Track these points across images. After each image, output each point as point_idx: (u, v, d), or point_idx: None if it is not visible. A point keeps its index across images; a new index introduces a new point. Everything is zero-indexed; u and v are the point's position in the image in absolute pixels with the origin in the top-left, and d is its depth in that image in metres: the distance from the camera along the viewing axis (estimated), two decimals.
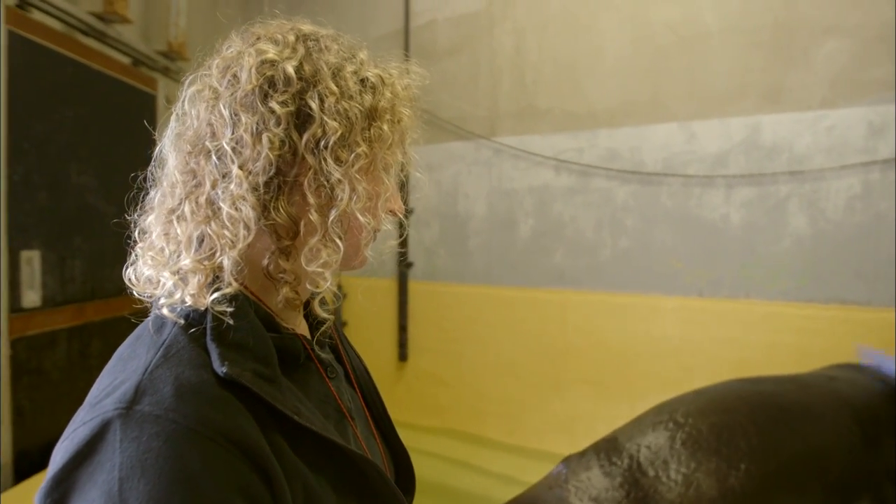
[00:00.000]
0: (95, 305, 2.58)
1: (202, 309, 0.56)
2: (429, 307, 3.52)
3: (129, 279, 0.63)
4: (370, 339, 3.67)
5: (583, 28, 3.04)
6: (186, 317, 0.56)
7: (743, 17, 2.67)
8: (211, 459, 0.48)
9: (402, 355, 3.56)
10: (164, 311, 0.57)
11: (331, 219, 0.59)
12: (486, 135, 3.31)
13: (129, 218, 0.67)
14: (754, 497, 1.18)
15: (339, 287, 4.01)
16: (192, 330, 0.56)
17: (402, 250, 3.51)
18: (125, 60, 2.72)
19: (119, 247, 2.50)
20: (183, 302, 0.57)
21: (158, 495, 0.45)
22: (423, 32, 3.48)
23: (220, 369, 0.52)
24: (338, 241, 0.60)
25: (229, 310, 0.56)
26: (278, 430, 0.55)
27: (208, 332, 0.55)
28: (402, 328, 3.57)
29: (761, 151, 2.65)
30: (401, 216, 0.70)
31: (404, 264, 3.58)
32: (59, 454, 0.49)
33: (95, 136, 2.54)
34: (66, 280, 2.42)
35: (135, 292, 0.62)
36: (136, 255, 0.63)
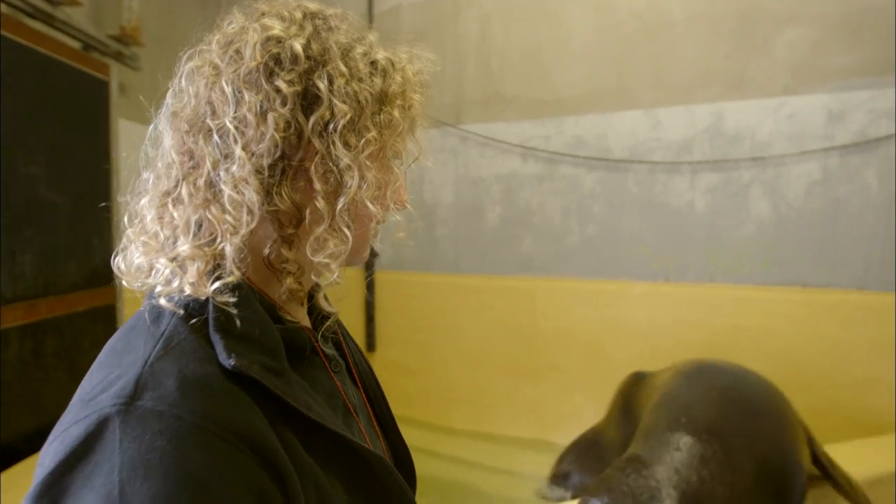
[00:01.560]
0: (49, 302, 2.46)
1: (203, 298, 0.52)
2: (396, 297, 3.49)
3: (118, 267, 0.58)
4: None
5: (548, 15, 3.03)
6: (186, 307, 0.52)
7: (707, 5, 2.70)
8: (220, 458, 0.44)
9: (370, 346, 3.53)
10: (162, 300, 0.53)
11: (339, 207, 0.56)
12: (452, 122, 3.28)
13: (120, 200, 0.62)
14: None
15: None
16: (193, 320, 0.52)
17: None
18: (75, 45, 2.59)
19: (73, 240, 2.39)
20: (181, 291, 0.53)
21: (164, 499, 0.41)
22: (387, 18, 3.42)
23: (228, 362, 0.49)
24: (346, 230, 0.57)
25: (232, 299, 0.52)
26: (288, 425, 0.52)
27: (211, 322, 0.51)
28: (370, 319, 3.53)
29: (725, 138, 2.70)
30: (408, 207, 0.67)
31: (370, 254, 3.52)
32: (49, 455, 0.44)
33: (45, 125, 2.41)
34: (17, 275, 2.30)
35: (124, 282, 0.58)
36: (126, 241, 0.59)
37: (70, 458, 0.43)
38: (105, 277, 2.73)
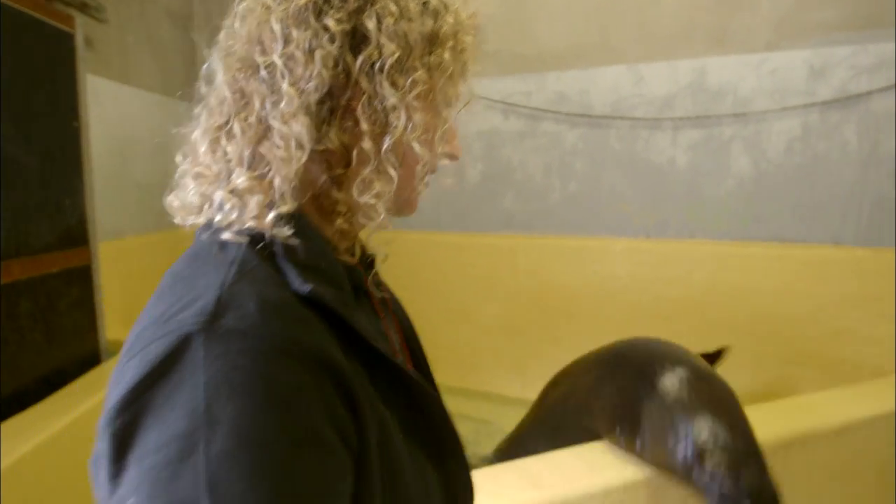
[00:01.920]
0: (21, 263, 2.40)
1: (265, 230, 0.53)
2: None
3: (171, 205, 0.59)
4: None
5: None
6: (250, 237, 0.53)
7: None
8: (301, 380, 0.44)
9: None
10: (225, 233, 0.53)
11: (384, 147, 0.56)
12: None
13: (173, 132, 0.62)
14: None
15: None
16: (260, 247, 0.52)
17: None
18: None
19: (44, 199, 2.31)
20: (243, 223, 0.53)
21: (249, 416, 0.41)
22: None
23: (303, 287, 0.49)
24: (391, 171, 0.56)
25: (294, 231, 0.53)
26: (356, 356, 0.52)
27: (279, 251, 0.52)
28: None
29: (707, 94, 2.69)
30: (458, 158, 0.67)
31: None
32: (129, 372, 0.44)
33: (6, 79, 2.31)
34: None
35: (177, 219, 0.59)
36: (179, 175, 0.60)
37: (152, 375, 0.43)
38: (79, 238, 2.67)
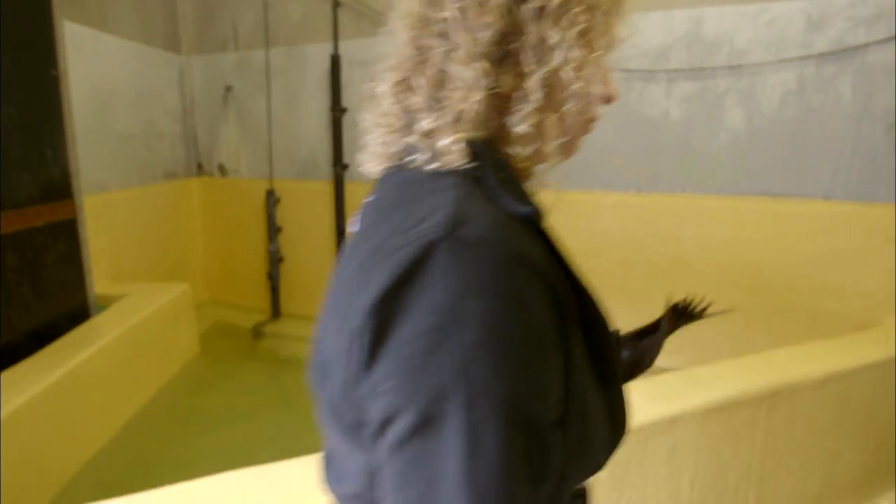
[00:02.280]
0: (6, 216, 2.37)
1: (462, 168, 0.56)
2: None
3: (360, 158, 0.64)
4: (308, 245, 3.59)
5: None
6: (453, 171, 0.57)
7: None
8: (532, 288, 0.49)
9: None
10: (429, 167, 0.57)
11: (547, 86, 0.59)
12: None
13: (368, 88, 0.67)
14: None
15: (273, 191, 3.86)
16: (466, 176, 0.56)
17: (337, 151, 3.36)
18: None
19: (24, 151, 2.25)
20: (440, 160, 0.57)
21: (494, 314, 0.46)
22: None
23: (522, 209, 0.53)
24: (556, 110, 0.60)
25: (491, 167, 0.56)
26: (565, 282, 0.56)
27: (486, 179, 0.56)
28: (341, 232, 3.49)
29: (703, 45, 2.64)
30: (615, 100, 0.68)
31: (340, 166, 3.45)
32: (377, 276, 0.49)
33: None
34: None
35: (363, 168, 0.64)
36: (365, 127, 0.65)
37: (403, 277, 0.47)
38: (63, 191, 2.62)
